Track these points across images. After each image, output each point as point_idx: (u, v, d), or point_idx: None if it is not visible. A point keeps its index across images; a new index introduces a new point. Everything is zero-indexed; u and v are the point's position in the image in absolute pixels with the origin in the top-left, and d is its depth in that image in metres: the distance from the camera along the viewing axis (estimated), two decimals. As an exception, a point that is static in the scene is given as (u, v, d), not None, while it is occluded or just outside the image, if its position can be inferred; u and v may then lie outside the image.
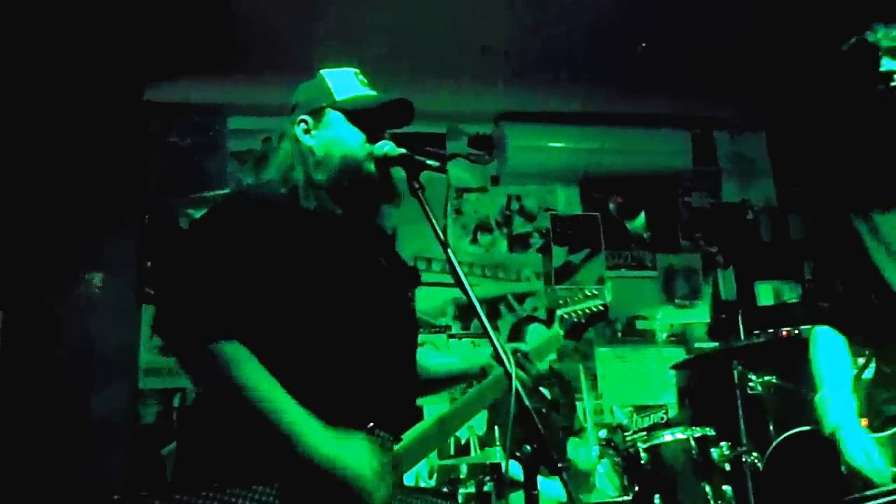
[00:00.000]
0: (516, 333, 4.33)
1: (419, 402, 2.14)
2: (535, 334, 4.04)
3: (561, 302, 2.29)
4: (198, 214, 2.06)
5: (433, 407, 2.41)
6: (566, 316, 2.27)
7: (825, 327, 2.25)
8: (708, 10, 4.33)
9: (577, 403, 4.88)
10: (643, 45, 4.65)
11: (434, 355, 2.31)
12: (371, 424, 1.78)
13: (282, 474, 1.67)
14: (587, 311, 2.28)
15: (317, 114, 2.03)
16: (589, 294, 2.31)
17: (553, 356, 4.70)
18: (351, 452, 1.70)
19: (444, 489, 3.72)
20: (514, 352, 2.09)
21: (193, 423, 1.86)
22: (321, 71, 2.12)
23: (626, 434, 3.62)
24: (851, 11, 4.10)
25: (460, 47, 4.59)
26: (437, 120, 5.47)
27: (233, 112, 5.28)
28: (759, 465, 3.27)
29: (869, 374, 2.22)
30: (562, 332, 2.25)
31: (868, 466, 1.96)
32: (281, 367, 1.75)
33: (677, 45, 4.66)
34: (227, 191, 4.98)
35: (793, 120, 5.70)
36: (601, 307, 2.29)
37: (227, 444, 1.72)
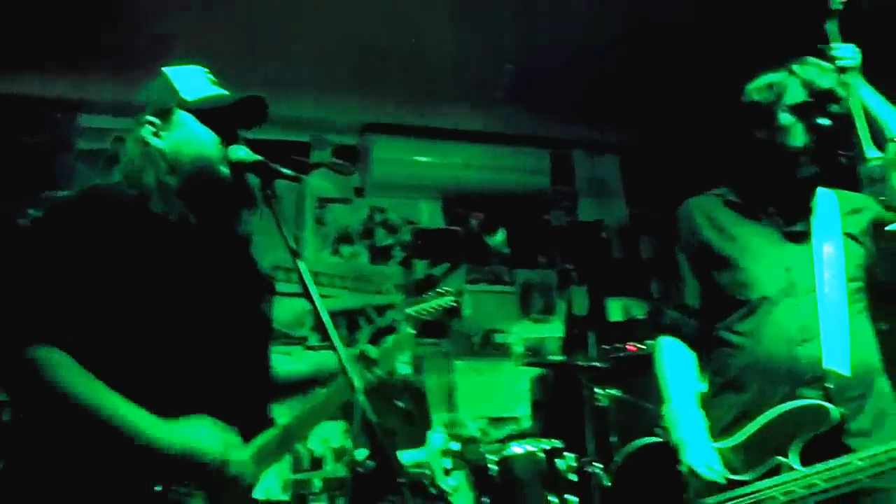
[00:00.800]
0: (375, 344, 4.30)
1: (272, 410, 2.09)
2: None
3: (411, 301, 2.26)
4: (37, 214, 1.94)
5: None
6: (415, 314, 2.25)
7: (670, 338, 2.31)
8: (572, 35, 4.49)
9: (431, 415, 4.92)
10: (509, 65, 4.76)
11: (284, 361, 2.26)
12: None
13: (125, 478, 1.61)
14: (438, 307, 2.27)
15: (164, 114, 1.93)
16: (441, 291, 2.30)
17: (408, 370, 4.71)
18: (193, 432, 1.67)
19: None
20: (361, 354, 2.07)
21: (16, 439, 1.75)
22: (165, 69, 2.01)
23: (477, 446, 3.67)
24: (715, 49, 4.40)
25: (327, 55, 4.54)
26: (302, 129, 5.40)
27: (86, 109, 5.01)
28: (602, 476, 3.40)
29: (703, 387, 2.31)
30: (413, 332, 2.23)
31: (708, 476, 2.04)
32: (123, 377, 1.68)
33: (543, 66, 4.80)
34: (71, 192, 4.71)
35: (646, 146, 6.00)
36: (452, 304, 2.27)
37: (56, 455, 1.63)
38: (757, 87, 2.21)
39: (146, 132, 1.92)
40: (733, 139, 2.27)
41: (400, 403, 4.01)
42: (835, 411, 1.95)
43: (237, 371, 1.87)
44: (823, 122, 2.08)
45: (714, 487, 2.02)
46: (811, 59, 2.18)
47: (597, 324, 5.68)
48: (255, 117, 1.99)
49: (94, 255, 1.72)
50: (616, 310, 5.92)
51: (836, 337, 2.03)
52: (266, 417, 1.99)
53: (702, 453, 2.06)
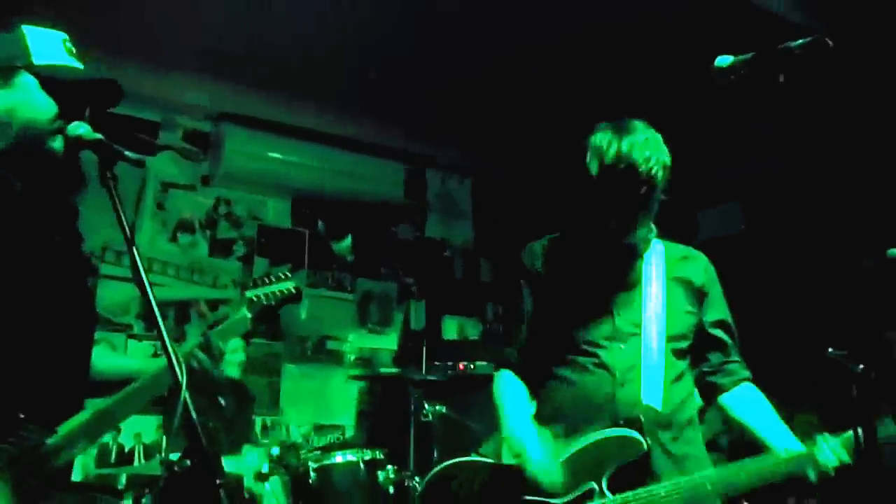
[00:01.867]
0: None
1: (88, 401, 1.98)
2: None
3: (251, 285, 2.22)
4: None
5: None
6: (255, 298, 2.20)
7: (508, 372, 2.42)
8: (440, 54, 4.57)
9: (254, 417, 4.83)
10: (373, 74, 4.78)
11: (109, 355, 2.16)
12: (21, 416, 1.64)
13: None
14: (278, 293, 2.23)
15: (7, 72, 1.81)
16: (282, 276, 2.26)
17: (236, 371, 4.59)
18: None
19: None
20: (201, 344, 2.02)
21: None
22: (23, 26, 1.88)
23: (300, 452, 3.63)
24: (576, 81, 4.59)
25: (192, 35, 4.37)
26: (154, 107, 5.15)
27: None
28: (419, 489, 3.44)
29: None
30: (249, 315, 2.17)
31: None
32: None
33: (410, 82, 4.85)
34: None
35: (499, 172, 6.19)
36: (293, 290, 2.23)
37: None
38: (590, 143, 2.24)
39: None
40: (570, 180, 2.35)
41: (222, 401, 3.90)
42: (642, 443, 2.11)
43: (54, 352, 1.78)
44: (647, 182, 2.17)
45: None
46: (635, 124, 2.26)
47: (431, 340, 5.76)
48: (106, 98, 1.91)
49: None
50: (451, 328, 6.04)
51: (654, 377, 2.22)
52: (79, 404, 1.90)
53: (547, 461, 2.14)
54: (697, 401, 2.37)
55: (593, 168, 2.20)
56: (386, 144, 5.81)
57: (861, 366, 1.46)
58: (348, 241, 5.90)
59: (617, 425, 2.15)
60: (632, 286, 2.32)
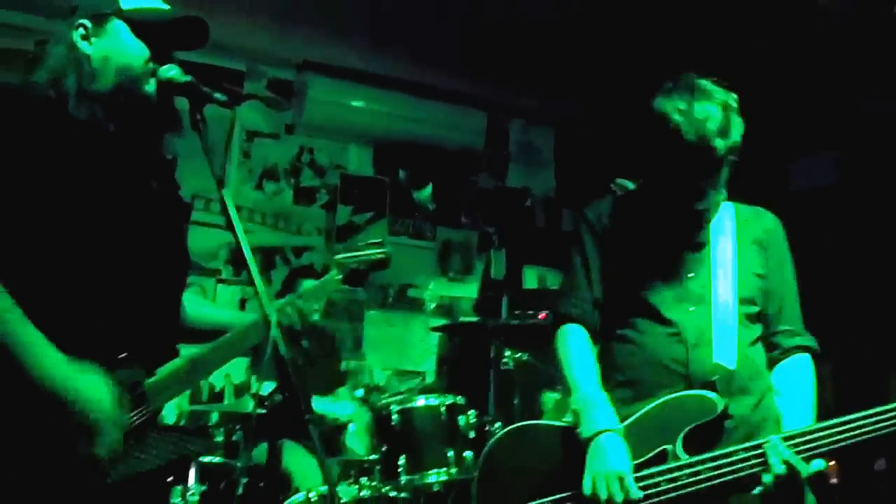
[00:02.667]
0: (289, 286, 4.27)
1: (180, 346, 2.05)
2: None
3: (341, 249, 2.28)
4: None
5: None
6: (344, 261, 2.25)
7: (577, 326, 2.32)
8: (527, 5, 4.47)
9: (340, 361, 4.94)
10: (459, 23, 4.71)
11: (203, 304, 2.23)
12: (124, 355, 1.70)
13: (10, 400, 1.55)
14: (368, 258, 2.28)
15: (99, 20, 1.86)
16: (372, 242, 2.31)
17: (317, 316, 4.68)
18: (89, 387, 1.60)
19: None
20: (292, 302, 2.07)
21: None
22: None
23: (382, 395, 3.70)
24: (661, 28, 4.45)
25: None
26: (238, 57, 5.22)
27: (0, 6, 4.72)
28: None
29: None
30: (339, 277, 2.23)
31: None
32: (29, 289, 1.62)
33: (489, 28, 4.78)
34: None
35: (583, 121, 6.06)
36: (383, 255, 2.29)
37: None
38: (662, 103, 2.15)
39: (76, 35, 1.86)
40: (640, 139, 2.28)
41: (304, 343, 3.98)
42: (719, 402, 2.05)
43: (151, 294, 1.84)
44: (724, 142, 2.10)
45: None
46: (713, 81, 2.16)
47: (512, 289, 5.75)
48: (193, 39, 1.93)
49: (9, 157, 1.65)
50: (532, 277, 6.01)
51: (728, 340, 2.15)
52: (173, 349, 1.96)
53: (619, 456, 2.04)
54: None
55: (663, 137, 2.11)
56: (467, 92, 5.75)
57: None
58: (429, 189, 5.90)
59: (691, 387, 2.09)
60: (701, 248, 2.27)
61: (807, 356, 2.26)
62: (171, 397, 1.88)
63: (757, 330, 2.24)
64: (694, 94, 2.11)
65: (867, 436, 1.99)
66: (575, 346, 2.28)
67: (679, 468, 2.01)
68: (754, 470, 1.98)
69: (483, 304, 5.82)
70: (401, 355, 5.55)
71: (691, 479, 2.00)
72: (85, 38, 1.85)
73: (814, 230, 2.35)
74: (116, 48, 1.85)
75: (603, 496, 1.98)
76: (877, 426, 1.98)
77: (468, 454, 3.28)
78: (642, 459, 2.06)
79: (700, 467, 2.00)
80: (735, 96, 2.15)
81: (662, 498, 2.00)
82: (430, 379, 5.50)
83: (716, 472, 1.99)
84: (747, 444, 2.01)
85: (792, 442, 1.99)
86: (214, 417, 3.87)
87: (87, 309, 1.72)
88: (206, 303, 2.22)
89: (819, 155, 5.56)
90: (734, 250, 2.25)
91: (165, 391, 1.84)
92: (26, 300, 1.63)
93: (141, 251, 1.85)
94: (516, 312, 4.90)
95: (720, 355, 2.12)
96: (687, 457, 2.02)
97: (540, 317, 4.63)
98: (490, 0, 4.49)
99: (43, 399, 1.55)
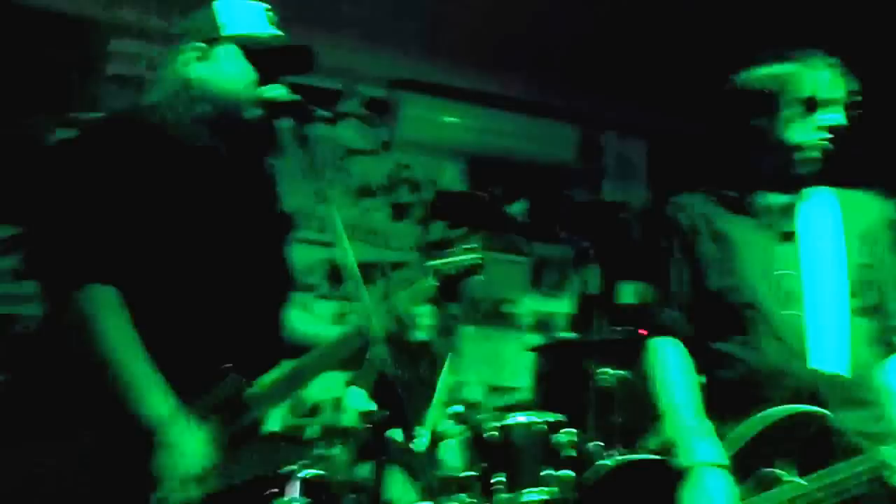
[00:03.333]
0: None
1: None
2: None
3: (435, 256, 2.25)
4: (66, 135, 1.93)
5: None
6: (439, 267, 2.25)
7: (671, 339, 2.16)
8: (614, 15, 4.42)
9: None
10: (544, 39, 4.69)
11: (307, 321, 2.27)
12: (228, 365, 1.75)
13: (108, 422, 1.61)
14: (462, 263, 2.25)
15: (210, 43, 1.93)
16: (467, 248, 2.29)
17: (425, 335, 4.70)
18: (183, 438, 1.68)
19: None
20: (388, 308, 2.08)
21: (31, 354, 1.76)
22: (216, 1, 2.00)
23: (479, 412, 3.67)
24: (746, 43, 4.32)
25: (364, 5, 4.48)
26: (334, 76, 5.34)
27: (118, 33, 4.97)
28: (600, 454, 3.40)
29: None
30: (435, 283, 2.21)
31: None
32: (145, 303, 1.69)
33: (584, 41, 4.74)
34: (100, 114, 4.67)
35: (675, 134, 5.93)
36: (477, 261, 2.26)
37: (61, 381, 1.65)
38: (762, 76, 2.14)
39: (186, 60, 1.92)
40: (728, 129, 2.23)
41: (416, 365, 3.99)
42: (825, 416, 1.87)
43: (256, 307, 1.88)
44: (830, 117, 2.04)
45: None
46: (820, 57, 2.11)
47: (608, 305, 5.65)
48: (300, 64, 1.98)
49: (135, 181, 1.73)
50: (629, 293, 5.89)
51: (834, 341, 1.95)
52: (277, 359, 1.99)
53: (722, 477, 1.85)
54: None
55: (806, 90, 2.06)
56: (560, 107, 5.71)
57: None
58: (522, 204, 5.87)
59: (796, 401, 1.89)
60: (793, 239, 2.10)
61: None
62: (272, 406, 1.91)
63: (867, 326, 2.03)
64: (811, 56, 2.10)
65: None
66: (668, 363, 2.10)
67: (788, 492, 1.81)
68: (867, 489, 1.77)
69: (579, 319, 5.74)
70: (496, 371, 5.51)
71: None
72: (194, 62, 1.91)
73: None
74: (227, 72, 1.91)
75: None
76: None
77: (567, 473, 3.22)
78: (749, 486, 1.86)
79: (818, 494, 1.79)
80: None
81: None
82: (526, 395, 5.45)
83: (830, 493, 1.77)
84: (865, 458, 1.80)
85: None
86: (316, 430, 3.92)
87: (196, 322, 1.78)
88: (310, 319, 2.25)
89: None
90: (835, 240, 2.07)
91: (267, 400, 1.87)
92: (140, 314, 1.69)
93: (246, 267, 1.89)
94: (614, 328, 4.81)
95: (827, 360, 1.93)
96: (800, 480, 1.82)
97: (639, 332, 4.53)
98: (580, 12, 4.44)
99: (141, 432, 1.62)
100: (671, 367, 2.10)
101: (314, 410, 4.70)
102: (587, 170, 6.04)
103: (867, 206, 2.17)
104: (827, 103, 2.06)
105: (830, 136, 2.05)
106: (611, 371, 4.01)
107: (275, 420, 4.46)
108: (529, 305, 5.75)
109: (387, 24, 4.70)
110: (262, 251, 1.99)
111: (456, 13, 4.53)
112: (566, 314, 5.82)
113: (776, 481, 1.84)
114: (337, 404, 4.20)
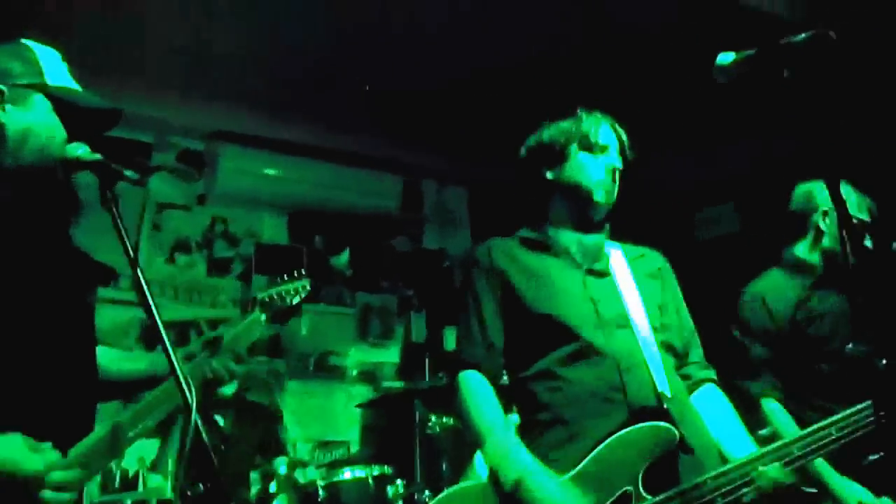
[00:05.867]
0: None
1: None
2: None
3: (261, 288, 2.20)
4: None
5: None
6: (268, 299, 2.18)
7: (476, 373, 2.20)
8: (435, 65, 4.55)
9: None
10: (367, 87, 4.76)
11: (118, 357, 2.14)
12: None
13: None
14: (292, 292, 2.21)
15: (20, 90, 1.78)
16: (295, 275, 2.25)
17: (232, 388, 4.55)
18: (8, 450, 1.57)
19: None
20: (211, 340, 2.01)
21: None
22: (28, 42, 1.85)
23: (306, 470, 3.59)
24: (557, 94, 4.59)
25: (177, 53, 4.36)
26: (145, 128, 5.13)
27: None
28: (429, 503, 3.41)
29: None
30: (263, 316, 2.15)
31: None
32: None
33: (399, 91, 4.84)
34: None
35: (494, 181, 6.16)
36: (307, 287, 2.22)
37: None
38: (550, 130, 2.44)
39: None
40: (524, 182, 2.51)
41: (218, 419, 3.83)
42: (674, 432, 1.96)
43: (60, 369, 1.76)
44: (609, 160, 2.32)
45: None
46: (597, 112, 2.42)
47: (434, 351, 5.73)
48: (104, 121, 1.89)
49: None
50: (453, 339, 5.99)
51: (657, 364, 2.09)
52: (90, 420, 1.87)
53: (553, 483, 1.90)
54: None
55: (592, 137, 2.36)
56: (380, 156, 5.79)
57: (884, 361, 1.43)
58: (346, 255, 5.87)
59: (634, 417, 1.97)
60: (605, 276, 2.26)
61: (715, 387, 2.29)
62: (93, 475, 1.78)
63: (671, 359, 2.21)
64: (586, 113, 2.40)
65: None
66: (476, 392, 2.14)
67: None
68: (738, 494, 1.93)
69: (406, 368, 5.77)
70: (324, 426, 5.41)
71: None
72: (6, 106, 1.76)
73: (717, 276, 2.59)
74: (39, 126, 1.77)
75: None
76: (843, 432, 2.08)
77: None
78: None
79: None
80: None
81: None
82: (354, 448, 5.38)
83: None
84: (719, 471, 1.96)
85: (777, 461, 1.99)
86: (129, 505, 3.68)
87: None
88: (122, 356, 2.13)
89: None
90: (634, 281, 2.26)
91: (88, 468, 1.74)
92: None
93: (51, 323, 1.78)
94: (439, 375, 4.87)
95: (658, 380, 2.05)
96: (651, 497, 1.91)
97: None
98: (397, 64, 4.55)
99: None
100: (478, 396, 2.14)
101: (126, 484, 4.41)
102: (409, 218, 6.14)
103: (651, 257, 2.43)
104: (604, 148, 2.34)
105: (611, 177, 2.31)
106: (438, 418, 4.05)
107: (86, 496, 4.16)
108: (356, 356, 5.72)
109: (201, 75, 4.58)
110: (65, 308, 1.86)
111: (274, 63, 4.50)
112: (393, 363, 5.83)
113: (634, 500, 1.92)
114: (149, 475, 3.96)
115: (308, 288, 2.21)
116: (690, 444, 1.99)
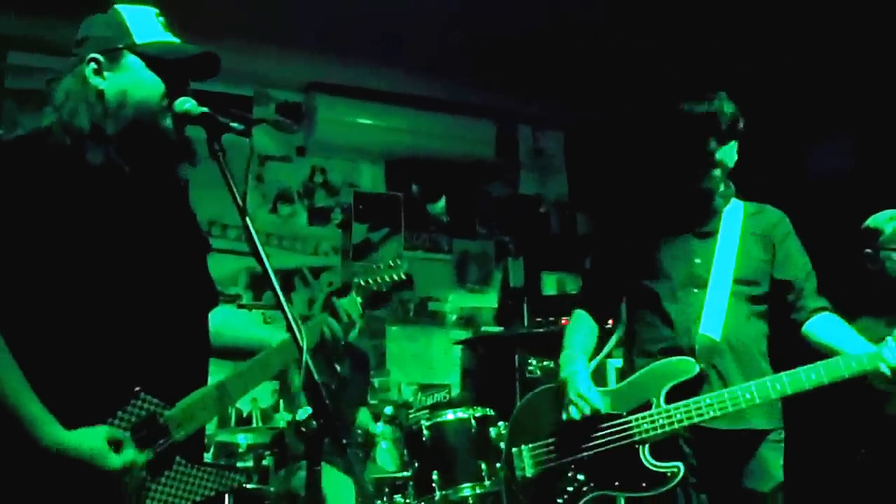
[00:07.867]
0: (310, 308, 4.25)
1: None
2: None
3: (358, 271, 2.25)
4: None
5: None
6: (363, 283, 2.23)
7: (583, 311, 2.82)
8: (526, 8, 4.47)
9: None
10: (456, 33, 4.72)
11: (236, 318, 2.22)
12: (137, 388, 1.70)
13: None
14: (388, 279, 2.26)
15: (112, 54, 1.81)
16: (391, 264, 2.29)
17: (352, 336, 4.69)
18: (93, 441, 1.63)
19: (222, 462, 3.61)
20: (330, 304, 2.07)
21: None
22: (117, 6, 1.88)
23: (409, 411, 3.68)
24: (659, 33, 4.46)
25: (277, 7, 4.42)
26: (245, 82, 5.26)
27: (13, 46, 4.77)
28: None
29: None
30: (359, 300, 2.19)
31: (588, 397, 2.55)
32: (56, 339, 1.64)
33: (493, 36, 4.78)
34: None
35: (590, 123, 6.05)
36: (403, 276, 2.27)
37: None
38: (700, 111, 2.57)
39: (88, 70, 1.81)
40: (658, 147, 2.70)
41: (338, 368, 3.98)
42: (694, 364, 2.48)
43: (175, 330, 1.83)
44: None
45: (591, 416, 2.51)
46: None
47: (531, 296, 5.73)
48: (204, 70, 1.91)
49: (34, 214, 1.66)
50: (551, 283, 5.99)
51: (715, 312, 2.54)
52: (202, 377, 1.94)
53: (584, 384, 2.56)
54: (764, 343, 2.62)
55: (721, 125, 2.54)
56: (474, 102, 5.75)
57: None
58: (443, 202, 5.90)
59: (680, 354, 2.52)
60: (709, 236, 2.63)
61: (829, 313, 2.61)
62: (198, 426, 1.84)
63: (754, 308, 2.60)
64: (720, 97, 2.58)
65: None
66: (575, 325, 2.80)
67: (658, 413, 2.49)
68: (716, 414, 2.42)
69: (504, 313, 5.81)
70: (425, 370, 5.53)
71: (665, 420, 2.47)
72: (97, 72, 1.81)
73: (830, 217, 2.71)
74: (134, 84, 1.81)
75: (575, 414, 2.51)
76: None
77: (500, 466, 3.26)
78: (632, 408, 2.54)
79: (674, 411, 2.47)
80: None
81: (644, 436, 2.49)
82: (455, 392, 5.49)
83: (685, 415, 2.46)
84: (713, 394, 2.44)
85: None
86: (243, 443, 3.86)
87: (114, 345, 1.72)
88: (238, 315, 2.20)
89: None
90: (737, 239, 2.62)
91: (190, 421, 1.80)
92: (54, 343, 1.64)
93: (163, 285, 1.84)
94: (538, 320, 4.89)
95: (706, 325, 2.52)
96: (665, 405, 2.49)
97: (562, 322, 4.62)
98: (490, 9, 4.48)
99: (57, 464, 1.58)
100: (575, 328, 2.80)
101: (241, 422, 4.63)
102: (504, 164, 6.11)
103: (766, 214, 2.73)
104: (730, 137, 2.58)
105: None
106: (538, 362, 4.08)
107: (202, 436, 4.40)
108: (455, 302, 5.79)
109: (298, 28, 4.65)
110: (178, 267, 1.93)
111: (368, 12, 4.50)
112: (491, 308, 5.88)
113: (654, 406, 2.52)
114: (263, 415, 4.13)
115: (404, 276, 2.25)
116: (711, 375, 2.51)
